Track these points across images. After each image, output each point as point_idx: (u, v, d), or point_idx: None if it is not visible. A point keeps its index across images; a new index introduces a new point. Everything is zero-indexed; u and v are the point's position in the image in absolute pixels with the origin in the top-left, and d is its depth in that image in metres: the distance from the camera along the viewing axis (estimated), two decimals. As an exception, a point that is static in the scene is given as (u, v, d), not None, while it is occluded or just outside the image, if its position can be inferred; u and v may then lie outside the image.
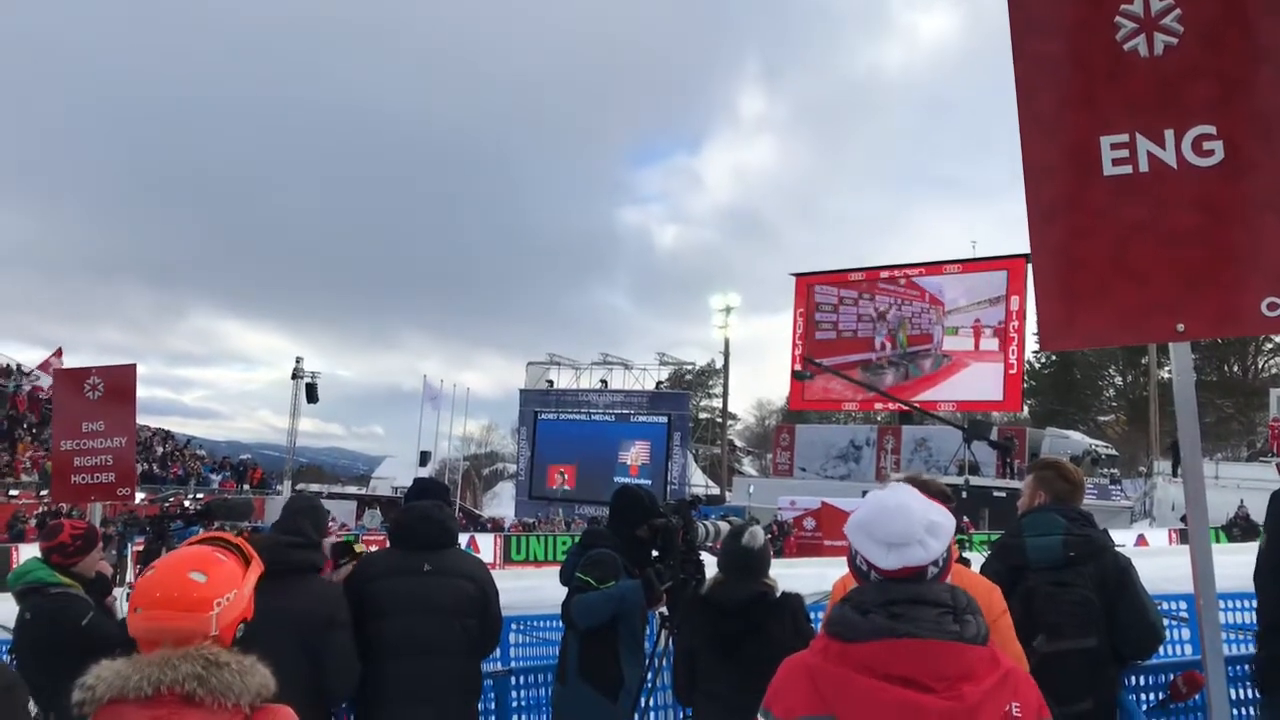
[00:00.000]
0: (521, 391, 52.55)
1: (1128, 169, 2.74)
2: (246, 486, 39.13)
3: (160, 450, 39.40)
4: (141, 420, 42.03)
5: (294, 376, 45.26)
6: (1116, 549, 3.76)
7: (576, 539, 5.28)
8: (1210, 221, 2.68)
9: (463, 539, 24.44)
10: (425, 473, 44.69)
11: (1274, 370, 56.39)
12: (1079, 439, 42.54)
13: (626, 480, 46.15)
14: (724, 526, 5.01)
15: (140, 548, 6.22)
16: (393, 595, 4.12)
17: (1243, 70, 2.68)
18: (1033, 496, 3.91)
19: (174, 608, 2.19)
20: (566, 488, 47.74)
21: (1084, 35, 2.81)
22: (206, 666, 2.13)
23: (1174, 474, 32.26)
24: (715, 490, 51.29)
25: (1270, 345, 55.98)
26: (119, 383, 8.07)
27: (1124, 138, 2.75)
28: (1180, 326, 2.67)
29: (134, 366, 8.22)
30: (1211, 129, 2.69)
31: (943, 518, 2.16)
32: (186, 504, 6.28)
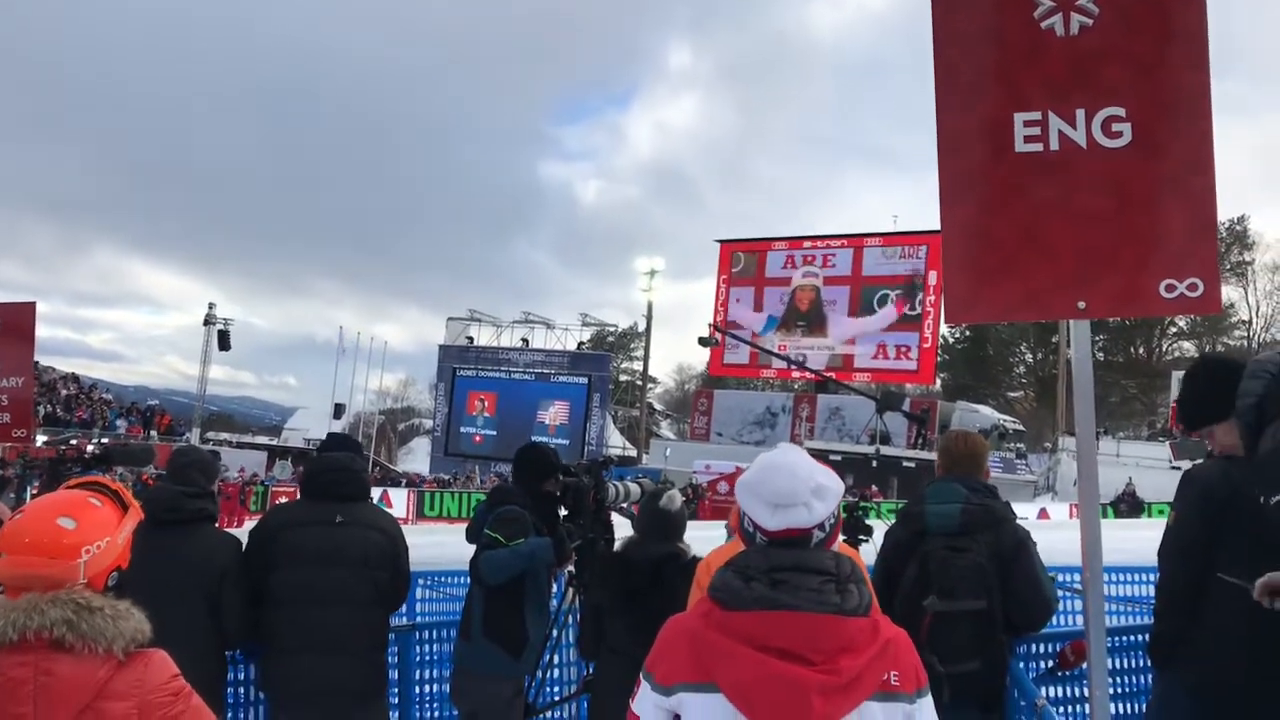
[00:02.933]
0: (441, 347, 52.08)
1: (1038, 147, 2.77)
2: (154, 433, 38.25)
3: (65, 393, 38.24)
4: (46, 361, 40.79)
5: (206, 323, 44.31)
6: (1016, 521, 3.85)
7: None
8: (1116, 202, 2.72)
9: (376, 492, 24.25)
10: (339, 426, 44.19)
11: (1176, 353, 58.22)
12: (989, 414, 43.64)
13: (545, 440, 46.20)
14: (634, 488, 5.05)
15: (37, 491, 6.04)
16: (303, 545, 4.10)
17: (1155, 53, 2.72)
18: (937, 467, 4.02)
19: (40, 554, 2.11)
20: (482, 445, 47.53)
21: (1004, 11, 2.83)
22: (77, 611, 2.07)
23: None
24: (633, 452, 51.54)
25: (1174, 329, 57.83)
26: (16, 321, 7.79)
27: (1036, 115, 2.78)
28: (1081, 304, 2.73)
29: (33, 305, 7.94)
30: (1121, 111, 2.73)
31: (830, 481, 2.17)
32: (90, 448, 6.10)
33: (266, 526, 4.25)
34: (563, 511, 4.85)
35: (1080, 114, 2.75)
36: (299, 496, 4.44)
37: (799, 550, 2.10)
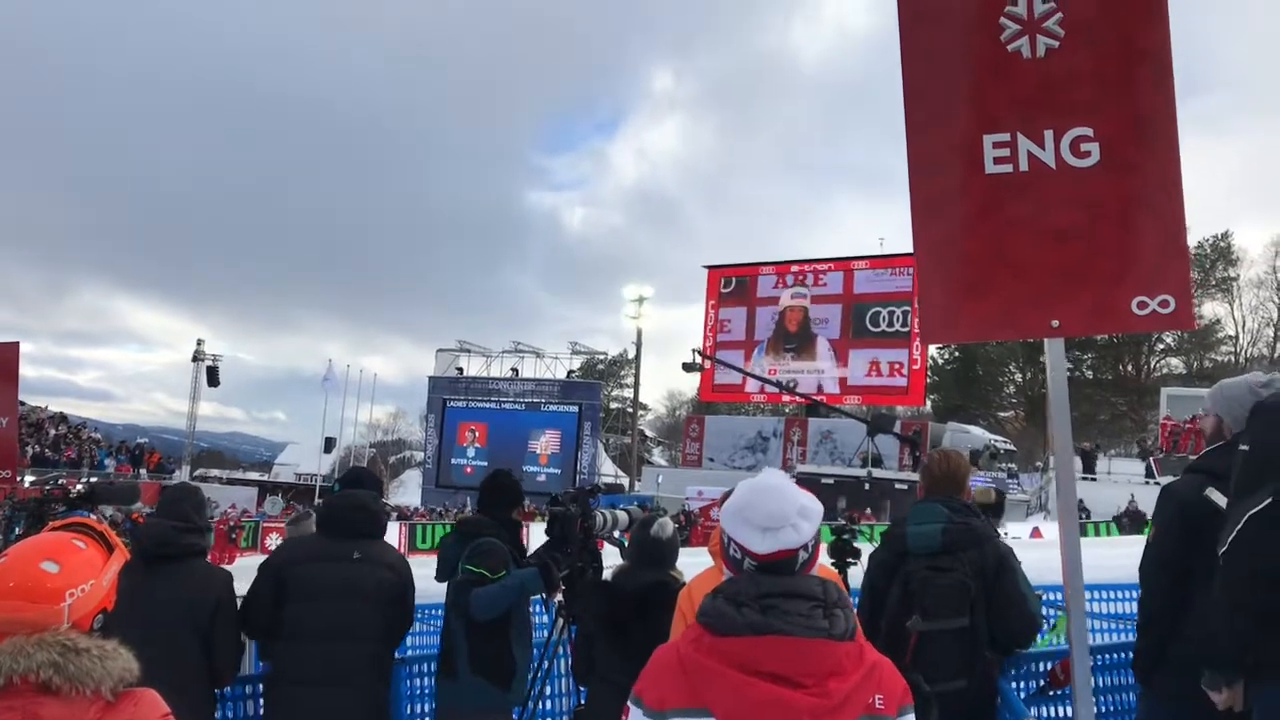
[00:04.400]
0: (430, 378, 52.04)
1: (1008, 168, 2.80)
2: (143, 471, 38.00)
3: (53, 433, 38.02)
4: (33, 401, 40.61)
5: (195, 359, 44.22)
6: (998, 539, 3.86)
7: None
8: (1087, 221, 2.75)
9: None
10: (330, 460, 44.06)
11: (1164, 370, 58.39)
12: (979, 434, 43.74)
13: (537, 470, 46.11)
14: (622, 516, 5.03)
15: (23, 533, 6.00)
16: (320, 580, 4.16)
17: (1122, 73, 2.76)
18: (919, 488, 4.03)
19: (24, 598, 2.08)
20: (474, 476, 47.40)
21: (971, 33, 2.87)
22: (63, 653, 2.05)
23: (1084, 472, 33.19)
24: (625, 480, 51.45)
25: (1162, 346, 58.04)
26: (0, 360, 7.77)
27: (1005, 137, 2.81)
28: (1055, 322, 2.75)
29: (16, 344, 7.93)
30: (1089, 130, 2.76)
31: (812, 502, 2.20)
32: (77, 488, 6.07)
33: (281, 560, 4.30)
34: (530, 539, 4.85)
35: (1049, 134, 2.79)
36: (315, 531, 4.49)
37: (787, 576, 2.12)
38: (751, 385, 44.09)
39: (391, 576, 4.27)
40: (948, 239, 2.85)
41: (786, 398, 45.89)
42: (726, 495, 2.43)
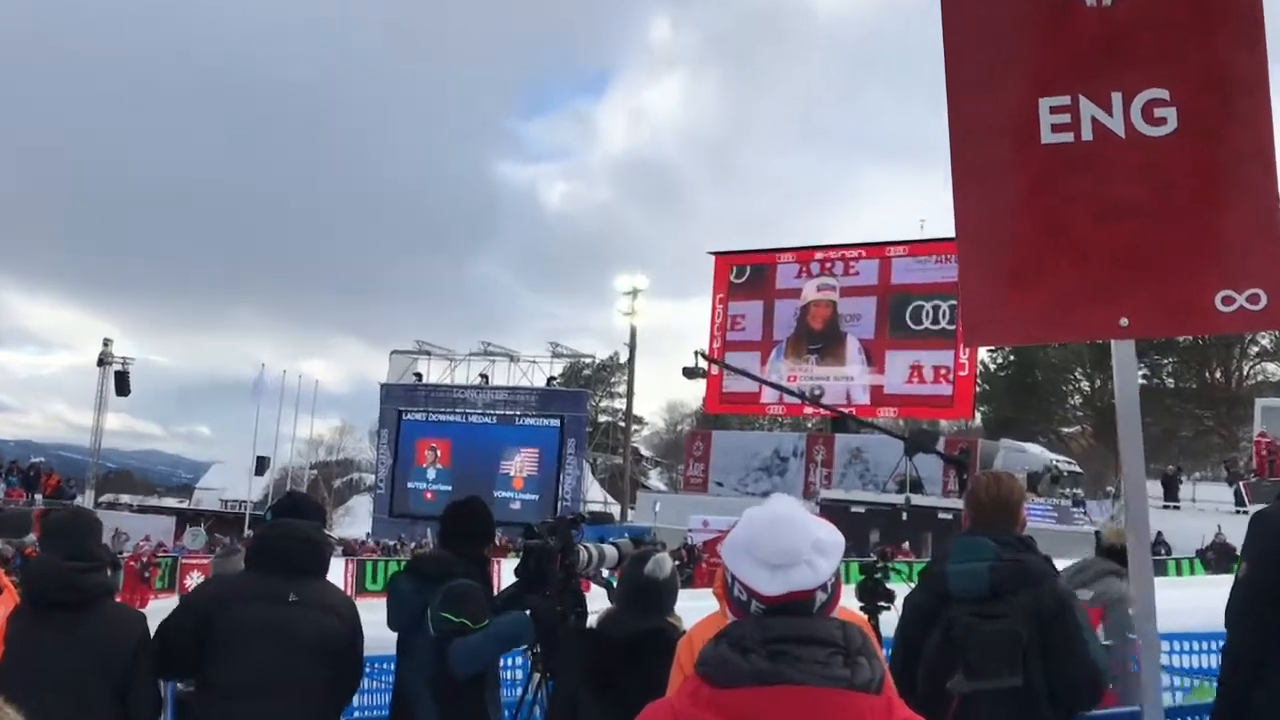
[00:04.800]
0: (383, 386, 52.00)
1: (1068, 137, 2.80)
2: (38, 496, 37.88)
3: (-70, 451, 37.90)
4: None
5: (100, 362, 44.09)
6: (1057, 578, 3.85)
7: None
8: (1162, 199, 2.75)
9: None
10: (263, 482, 44.01)
11: (1259, 378, 58.31)
12: (1038, 453, 43.68)
13: (510, 496, 46.07)
14: (609, 551, 5.03)
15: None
16: (250, 625, 4.12)
17: (1203, 25, 2.75)
18: (964, 517, 4.02)
19: None
20: (435, 504, 47.31)
21: None
22: None
23: (1165, 499, 33.11)
24: (616, 507, 51.43)
25: (1256, 349, 58.01)
26: None
27: (1065, 100, 2.81)
28: (1123, 321, 2.75)
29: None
30: (1164, 93, 2.76)
31: (830, 534, 2.20)
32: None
33: (205, 600, 4.28)
34: (500, 579, 4.84)
35: (1116, 98, 2.78)
36: (245, 567, 4.47)
37: (802, 618, 2.11)
38: (769, 395, 44.13)
39: (336, 623, 4.24)
40: (995, 221, 2.85)
41: (809, 409, 45.92)
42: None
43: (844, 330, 43.86)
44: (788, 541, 2.14)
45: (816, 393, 41.80)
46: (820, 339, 44.38)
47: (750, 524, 2.21)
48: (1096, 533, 6.10)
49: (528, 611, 4.70)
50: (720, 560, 2.33)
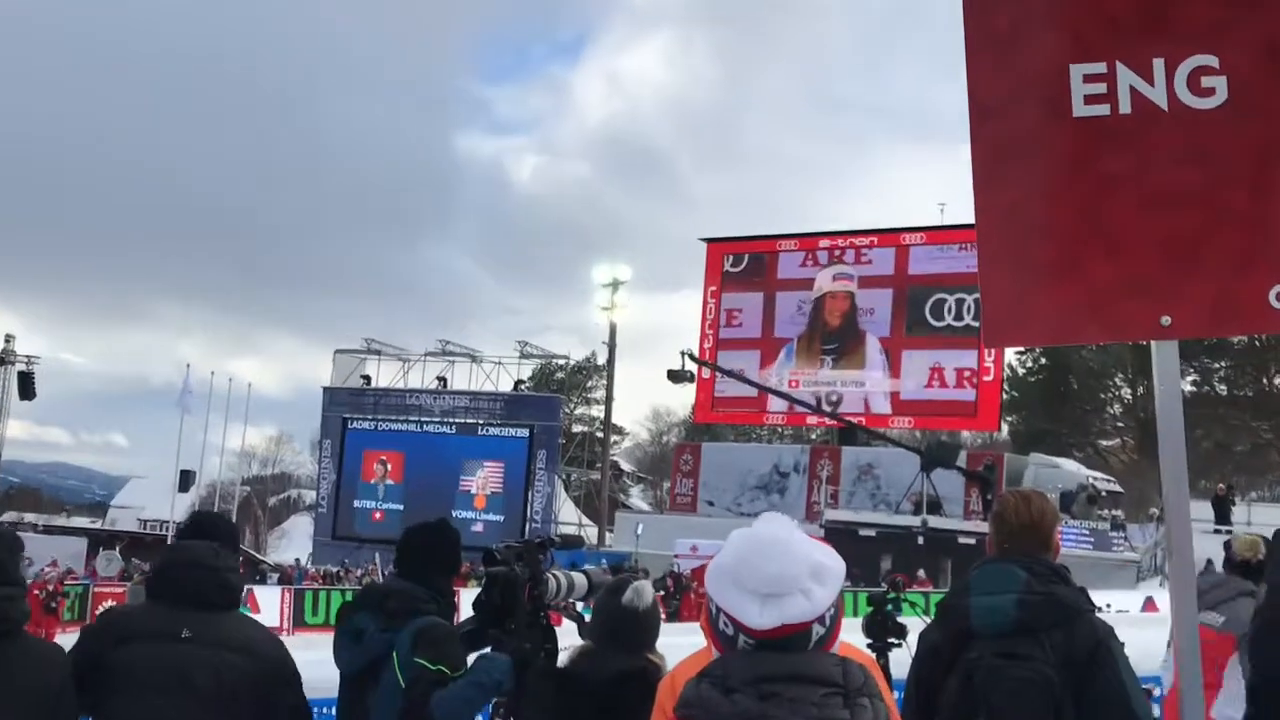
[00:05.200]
0: (326, 390, 51.90)
1: (1104, 109, 2.81)
2: (-72, 516, 37.73)
3: None
4: None
5: (1, 362, 43.85)
6: (1095, 614, 3.85)
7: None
8: (1210, 180, 2.75)
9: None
10: (188, 499, 43.82)
11: (1324, 384, 58.54)
12: (1072, 469, 43.89)
13: (472, 516, 45.99)
14: (579, 579, 5.01)
15: None
16: (136, 667, 4.00)
17: None
18: (989, 542, 4.01)
19: None
20: (385, 525, 47.21)
21: None
22: None
23: (1216, 523, 33.16)
24: (592, 528, 51.45)
25: (1321, 351, 58.22)
26: None
27: (1100, 68, 2.81)
28: (1165, 319, 2.75)
29: None
30: (1213, 60, 2.77)
31: (829, 559, 2.20)
32: None
33: (96, 637, 4.18)
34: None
35: (1158, 65, 2.79)
36: (147, 598, 4.37)
37: (795, 655, 2.11)
38: (775, 402, 44.12)
39: (240, 664, 4.08)
40: (1019, 205, 2.85)
41: (812, 418, 45.98)
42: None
43: (863, 328, 43.94)
44: (780, 567, 2.14)
45: (833, 400, 41.88)
46: (836, 337, 44.48)
47: (737, 547, 2.21)
48: (1226, 543, 6.03)
49: (503, 652, 4.67)
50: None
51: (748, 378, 42.38)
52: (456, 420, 48.94)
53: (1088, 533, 35.64)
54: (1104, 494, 41.44)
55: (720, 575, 2.20)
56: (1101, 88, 2.82)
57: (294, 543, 57.11)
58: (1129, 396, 63.12)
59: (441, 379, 50.66)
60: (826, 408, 42.26)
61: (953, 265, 41.96)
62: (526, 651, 4.68)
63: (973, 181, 2.88)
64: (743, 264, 46.69)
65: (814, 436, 51.28)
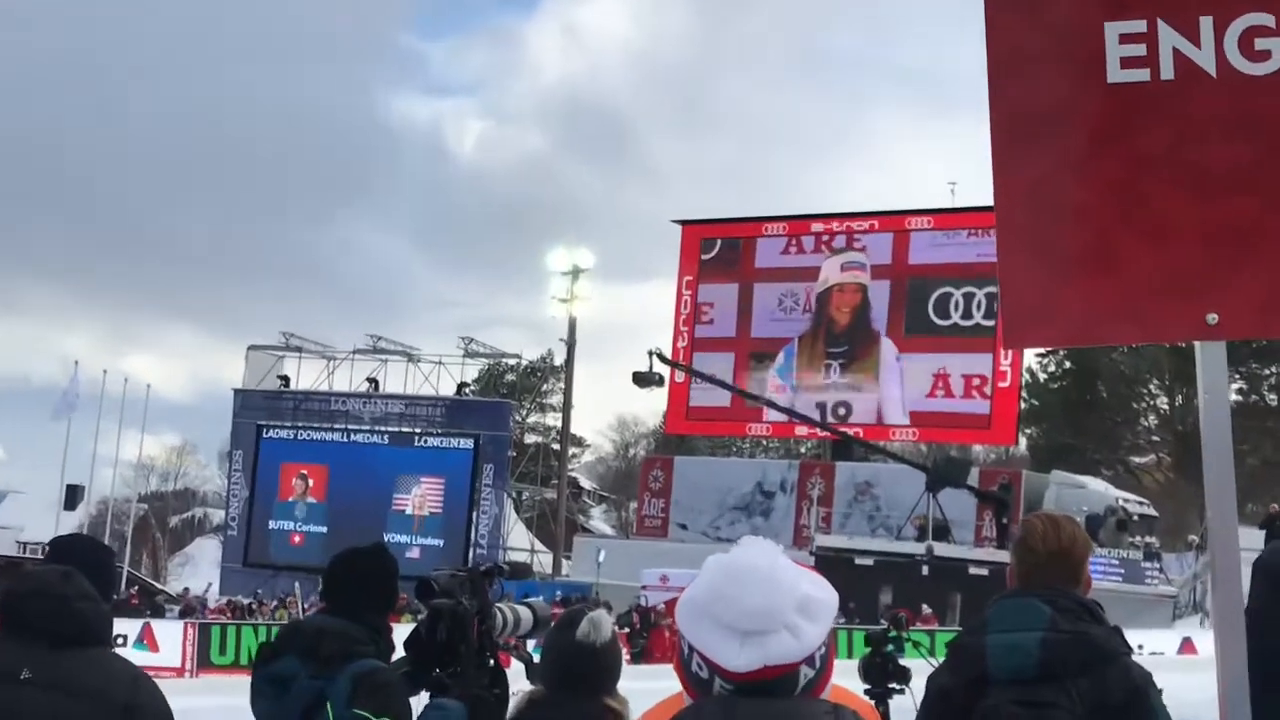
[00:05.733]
0: (238, 393, 51.70)
1: (1143, 74, 2.82)
2: None
3: None
4: None
5: None
6: (1130, 658, 3.86)
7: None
8: (1261, 159, 2.77)
9: (133, 627, 23.64)
10: (74, 521, 43.51)
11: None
12: (1100, 490, 44.04)
13: (406, 540, 45.87)
14: (523, 613, 5.00)
15: None
16: None
17: None
18: (1010, 573, 4.00)
19: None
20: (305, 550, 47.07)
21: None
22: None
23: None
24: (546, 555, 51.44)
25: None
26: None
27: (1139, 26, 2.82)
28: (1212, 318, 2.76)
29: None
30: (1268, 19, 2.78)
31: (820, 591, 2.19)
32: None
33: None
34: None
35: (1206, 24, 2.80)
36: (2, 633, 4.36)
37: (780, 701, 2.12)
38: (761, 412, 44.12)
39: (81, 713, 4.01)
40: (1044, 184, 2.85)
41: (802, 429, 46.01)
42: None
43: (875, 327, 43.96)
44: (763, 599, 2.13)
45: (840, 414, 41.92)
46: (845, 339, 44.50)
47: (713, 576, 2.20)
48: None
49: (450, 699, 4.65)
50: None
51: (726, 382, 42.36)
52: (390, 429, 48.79)
53: (1117, 563, 35.85)
54: (1136, 518, 41.60)
55: (693, 609, 2.19)
56: (1140, 49, 2.83)
57: (199, 569, 56.76)
58: (1166, 406, 63.38)
59: (372, 380, 50.48)
60: (832, 420, 42.20)
61: (961, 254, 42.07)
62: (479, 696, 4.67)
63: (991, 157, 2.88)
64: (714, 249, 46.68)
65: (804, 450, 51.40)
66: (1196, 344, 2.85)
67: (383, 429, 48.89)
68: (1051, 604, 3.79)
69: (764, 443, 53.92)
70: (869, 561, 35.30)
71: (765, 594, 2.14)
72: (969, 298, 42.00)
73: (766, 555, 2.21)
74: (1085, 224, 2.85)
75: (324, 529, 46.91)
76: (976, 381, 41.87)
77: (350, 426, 49.26)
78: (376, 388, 50.21)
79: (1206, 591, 36.77)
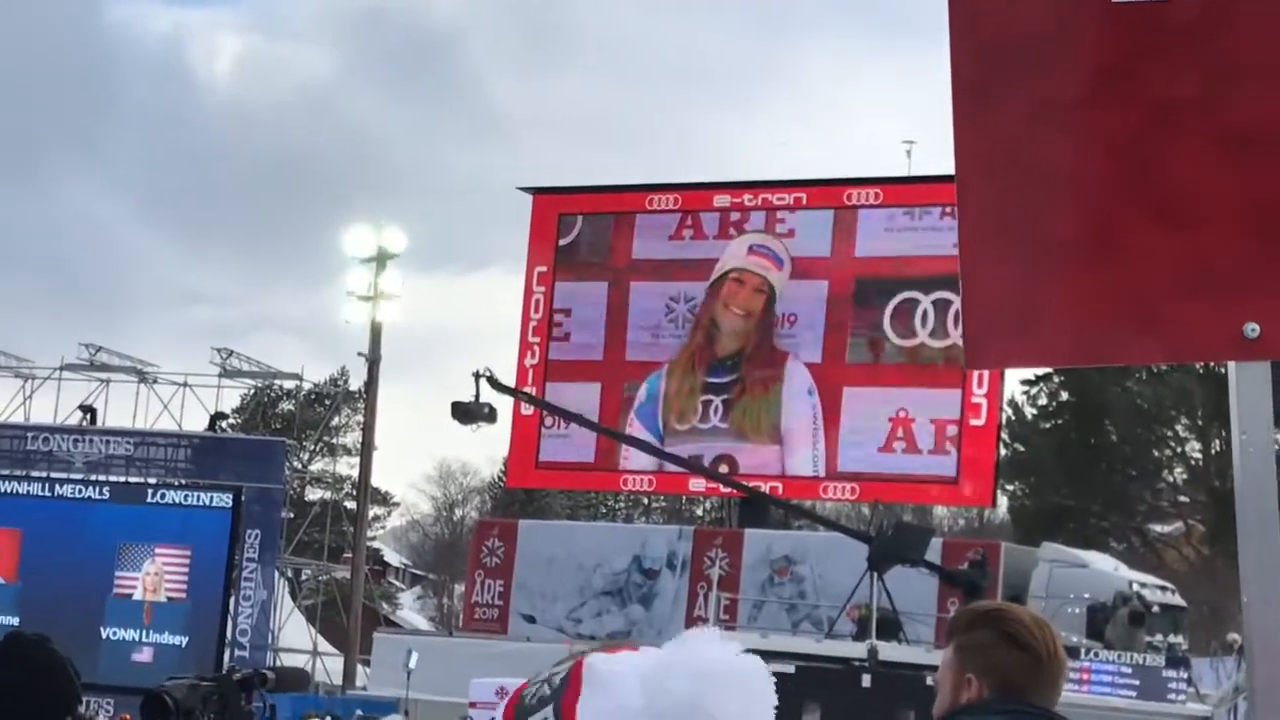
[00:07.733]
0: (-107, 425, 51.05)
1: (1158, -9, 2.88)
2: None
3: None
4: None
5: None
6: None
7: None
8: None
9: None
10: None
11: None
12: (1107, 569, 44.53)
13: (133, 636, 45.44)
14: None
15: None
16: None
17: None
18: (957, 683, 4.05)
19: None
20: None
21: None
22: None
23: None
24: (335, 656, 51.24)
25: None
26: None
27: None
28: (1252, 329, 2.81)
29: None
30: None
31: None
32: None
33: None
34: None
35: None
36: None
37: None
38: (640, 459, 44.20)
39: None
40: (1023, 144, 2.90)
41: (697, 481, 46.16)
42: (566, 691, 2.31)
43: (781, 345, 44.07)
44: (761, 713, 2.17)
45: (722, 469, 42.06)
46: (732, 361, 44.61)
47: (683, 684, 2.18)
48: None
49: None
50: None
51: (590, 420, 42.36)
52: (112, 478, 48.33)
53: (1130, 671, 36.30)
54: (1157, 609, 42.06)
55: None
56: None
57: None
58: (1199, 455, 64.06)
59: (87, 409, 50.04)
60: (719, 475, 42.29)
61: (930, 243, 42.04)
62: None
63: (952, 107, 2.92)
64: (574, 230, 46.63)
65: (700, 513, 51.55)
66: (1230, 364, 2.91)
67: (102, 478, 48.38)
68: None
69: (645, 501, 54.06)
70: (789, 668, 35.45)
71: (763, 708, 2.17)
72: (942, 306, 41.97)
73: (751, 659, 2.24)
74: (1079, 199, 2.89)
75: (14, 620, 46.24)
76: (941, 423, 41.99)
77: (54, 475, 48.66)
78: (93, 420, 49.76)
79: (1251, 707, 37.18)
